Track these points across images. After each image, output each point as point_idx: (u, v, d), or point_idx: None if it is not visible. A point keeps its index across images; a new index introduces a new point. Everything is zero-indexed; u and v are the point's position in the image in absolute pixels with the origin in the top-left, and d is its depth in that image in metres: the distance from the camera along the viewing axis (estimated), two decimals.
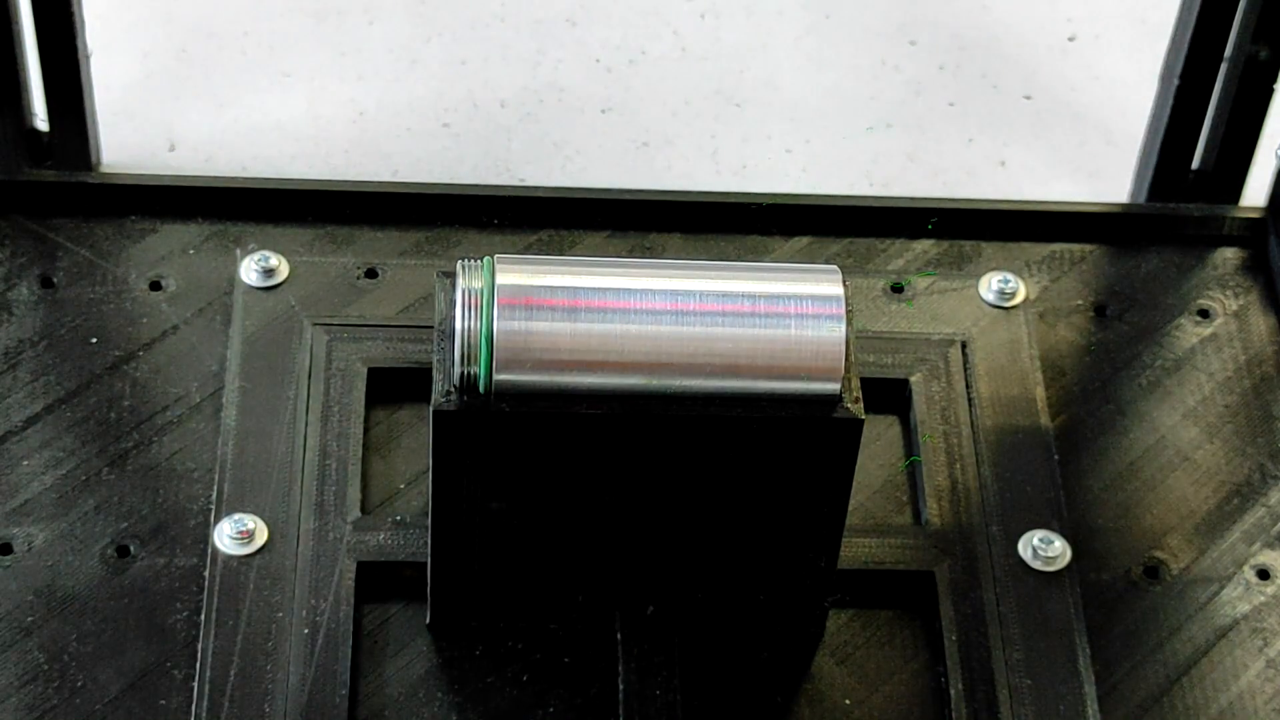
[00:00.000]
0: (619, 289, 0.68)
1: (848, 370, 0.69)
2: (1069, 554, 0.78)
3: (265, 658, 0.73)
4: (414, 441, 0.81)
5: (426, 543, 0.74)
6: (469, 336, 0.67)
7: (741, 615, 0.75)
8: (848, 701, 0.75)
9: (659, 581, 0.74)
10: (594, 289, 0.68)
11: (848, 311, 0.68)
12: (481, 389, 0.68)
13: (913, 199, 0.90)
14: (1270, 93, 0.89)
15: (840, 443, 0.69)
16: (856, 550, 0.78)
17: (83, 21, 0.87)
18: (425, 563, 0.74)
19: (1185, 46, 0.88)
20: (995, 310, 0.86)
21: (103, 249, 0.86)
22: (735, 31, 1.04)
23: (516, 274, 0.68)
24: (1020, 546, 0.78)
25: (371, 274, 0.86)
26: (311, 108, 0.99)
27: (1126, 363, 0.85)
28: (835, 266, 0.69)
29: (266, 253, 0.85)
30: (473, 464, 0.69)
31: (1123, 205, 0.91)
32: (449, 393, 0.68)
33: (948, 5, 1.05)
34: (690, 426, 0.69)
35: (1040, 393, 0.83)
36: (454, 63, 1.01)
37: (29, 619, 0.75)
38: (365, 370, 0.82)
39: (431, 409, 0.68)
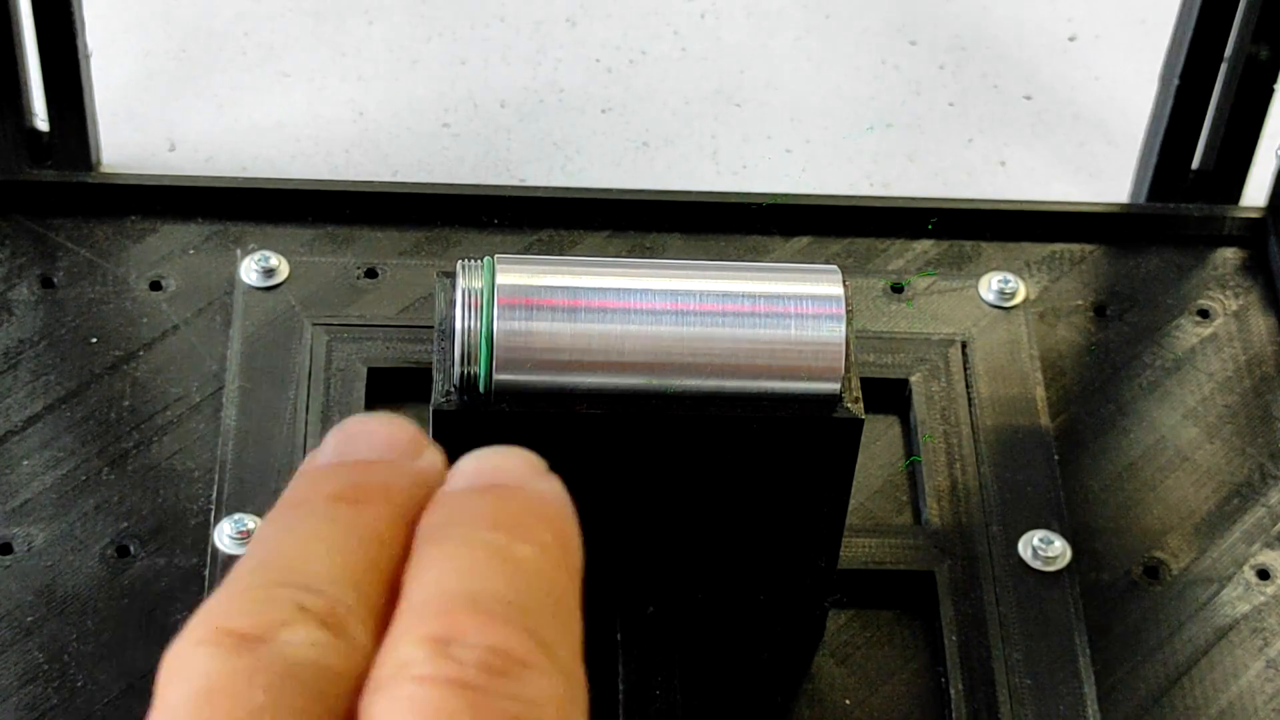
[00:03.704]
0: (619, 289, 0.68)
1: (848, 370, 0.69)
2: (1069, 554, 0.78)
3: None
4: None
5: None
6: (469, 336, 0.67)
7: (741, 615, 0.75)
8: (848, 701, 0.75)
9: (659, 581, 0.74)
10: (594, 289, 0.68)
11: (848, 311, 0.68)
12: (481, 389, 0.68)
13: (913, 199, 0.90)
14: (1270, 93, 0.89)
15: (840, 443, 0.69)
16: (856, 550, 0.78)
17: (83, 21, 0.87)
18: None
19: (1185, 46, 0.88)
20: (995, 310, 0.86)
21: (103, 249, 0.86)
22: (735, 31, 1.04)
23: (516, 274, 0.68)
24: (1020, 546, 0.78)
25: (371, 274, 0.86)
26: (311, 108, 0.99)
27: (1126, 363, 0.85)
28: (835, 266, 0.69)
29: (266, 253, 0.85)
30: None
31: (1123, 205, 0.91)
32: (449, 393, 0.68)
33: (948, 5, 1.05)
34: (690, 426, 0.69)
35: (1040, 393, 0.83)
36: (454, 63, 1.01)
37: (29, 619, 0.75)
38: (365, 370, 0.82)
39: (431, 409, 0.68)
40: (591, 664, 0.77)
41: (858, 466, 0.71)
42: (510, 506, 0.46)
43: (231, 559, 0.76)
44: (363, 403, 0.80)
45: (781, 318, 0.68)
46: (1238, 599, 0.78)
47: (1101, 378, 0.85)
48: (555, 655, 0.45)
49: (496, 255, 0.68)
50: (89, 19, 0.88)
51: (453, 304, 0.68)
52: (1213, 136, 0.91)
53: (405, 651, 0.41)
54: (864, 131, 1.00)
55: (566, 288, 0.67)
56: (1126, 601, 0.78)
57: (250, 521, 0.76)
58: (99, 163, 0.92)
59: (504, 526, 0.45)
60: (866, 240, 0.89)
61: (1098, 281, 0.88)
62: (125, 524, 0.78)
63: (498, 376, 0.67)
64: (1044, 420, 0.82)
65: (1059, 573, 0.77)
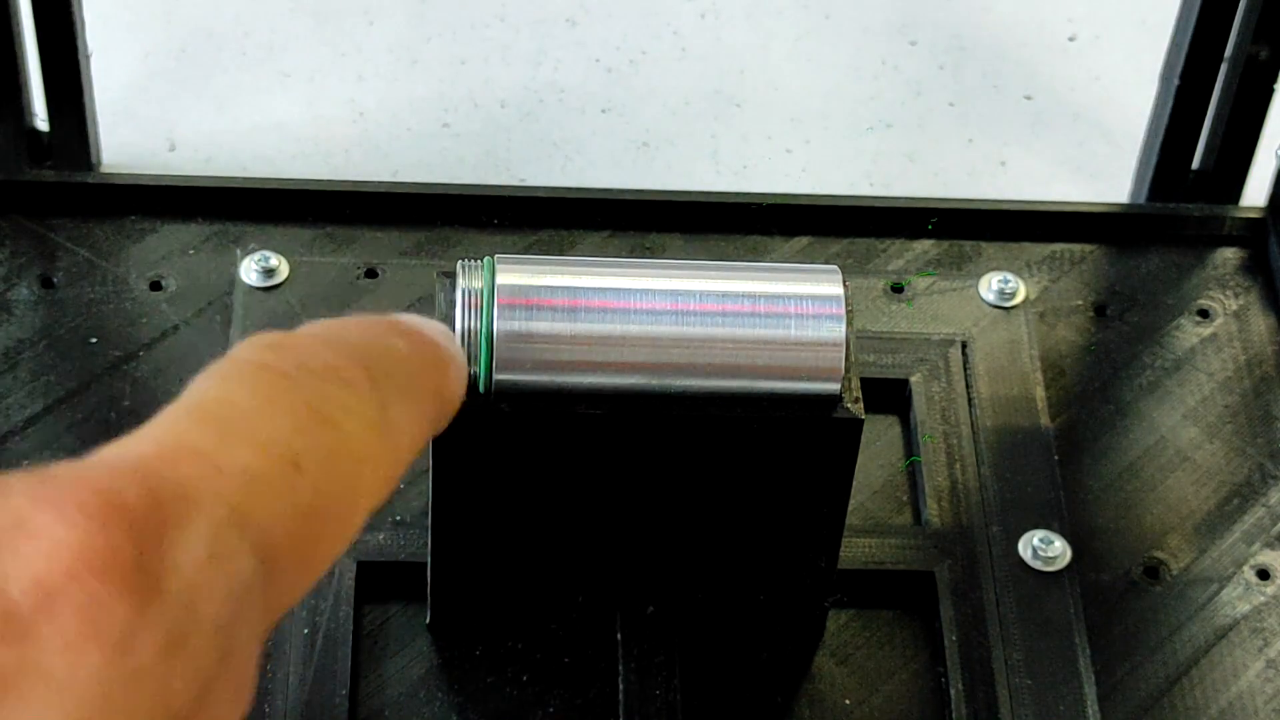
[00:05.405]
0: (619, 289, 0.68)
1: (848, 370, 0.69)
2: (1069, 554, 0.78)
3: (265, 658, 0.73)
4: None
5: (426, 543, 0.74)
6: (469, 337, 0.67)
7: (741, 615, 0.75)
8: (848, 701, 0.75)
9: (659, 581, 0.74)
10: (594, 289, 0.68)
11: (848, 311, 0.68)
12: (481, 389, 0.68)
13: (913, 199, 0.90)
14: (1270, 93, 0.89)
15: (840, 443, 0.69)
16: (856, 550, 0.78)
17: (83, 21, 0.87)
18: (425, 563, 0.74)
19: (1185, 46, 0.88)
20: (995, 310, 0.86)
21: (103, 249, 0.86)
22: (735, 31, 1.04)
23: (516, 274, 0.67)
24: (1020, 546, 0.78)
25: (371, 274, 0.86)
26: (311, 108, 0.99)
27: (1126, 363, 0.85)
28: (835, 266, 0.69)
29: (266, 253, 0.85)
30: (473, 464, 0.69)
31: (1123, 205, 0.91)
32: None
33: (948, 5, 1.05)
34: (690, 427, 0.69)
35: (1040, 393, 0.83)
36: (454, 63, 1.01)
37: None
38: None
39: None
40: (591, 664, 0.77)
41: (858, 466, 0.71)
42: (415, 338, 0.53)
43: None
44: None
45: (781, 318, 0.68)
46: (1238, 599, 0.78)
47: (1101, 378, 0.85)
48: (385, 402, 0.48)
49: (496, 255, 0.68)
50: (89, 19, 0.88)
51: (453, 304, 0.68)
52: (1213, 136, 0.91)
53: (241, 349, 0.46)
54: (864, 131, 1.00)
55: (566, 288, 0.67)
56: (1126, 601, 0.78)
57: None
58: (99, 163, 0.92)
59: (398, 332, 0.50)
60: (866, 240, 0.89)
61: (1098, 281, 0.88)
62: None
63: (498, 376, 0.67)
64: (1044, 420, 0.82)
65: (1059, 573, 0.77)
